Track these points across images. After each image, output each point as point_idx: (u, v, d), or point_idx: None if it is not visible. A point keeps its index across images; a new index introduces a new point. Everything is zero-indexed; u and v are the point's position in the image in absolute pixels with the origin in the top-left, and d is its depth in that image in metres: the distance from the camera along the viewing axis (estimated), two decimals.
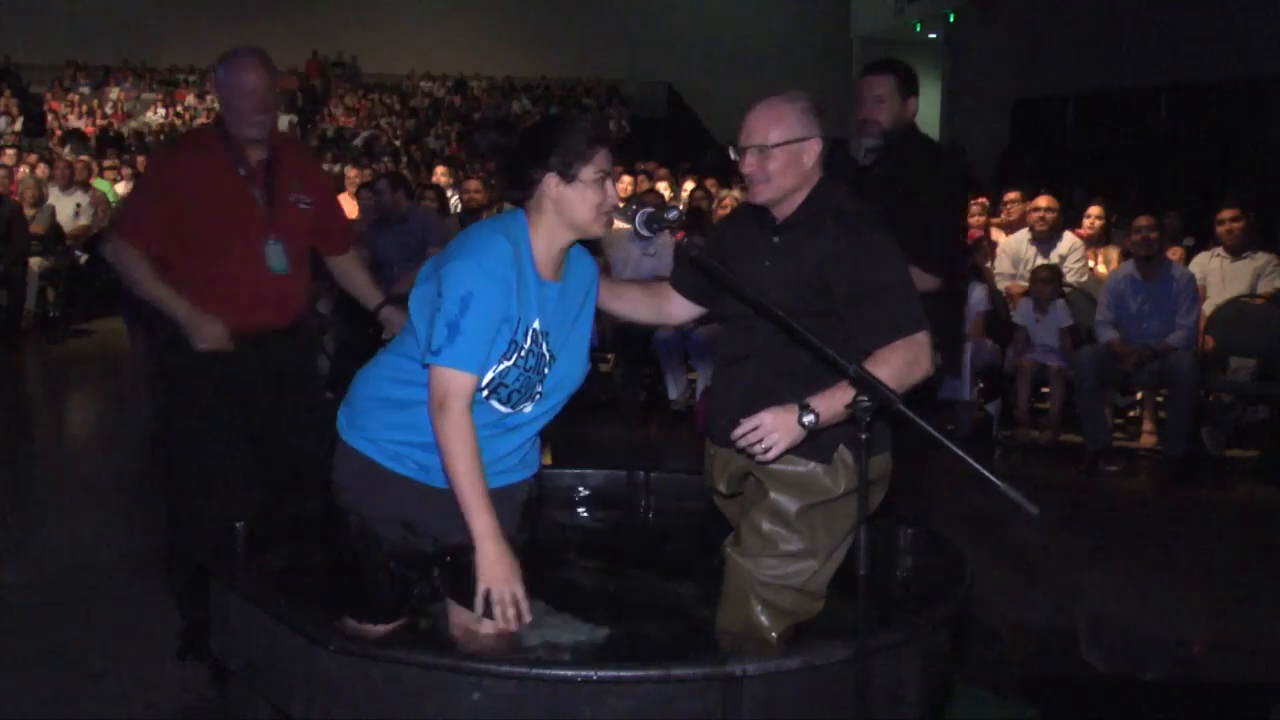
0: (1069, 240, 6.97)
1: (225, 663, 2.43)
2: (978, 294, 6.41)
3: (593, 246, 2.61)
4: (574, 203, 2.30)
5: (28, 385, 8.71)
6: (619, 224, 7.04)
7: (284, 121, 20.52)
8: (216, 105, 3.51)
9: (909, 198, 3.40)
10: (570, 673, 1.98)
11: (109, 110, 21.08)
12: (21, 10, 22.94)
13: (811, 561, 2.45)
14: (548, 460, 2.71)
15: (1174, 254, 6.95)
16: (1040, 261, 6.74)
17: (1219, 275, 6.57)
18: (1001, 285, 6.93)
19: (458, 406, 2.22)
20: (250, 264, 3.32)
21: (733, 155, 2.55)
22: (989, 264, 7.11)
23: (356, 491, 2.40)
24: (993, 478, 1.92)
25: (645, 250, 7.01)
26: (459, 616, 2.37)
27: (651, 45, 25.08)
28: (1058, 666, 3.71)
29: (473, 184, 7.94)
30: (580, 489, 3.21)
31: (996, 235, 7.71)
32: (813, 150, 2.49)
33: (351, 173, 10.94)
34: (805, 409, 2.28)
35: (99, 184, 11.70)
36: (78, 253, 10.13)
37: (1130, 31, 15.02)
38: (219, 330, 3.27)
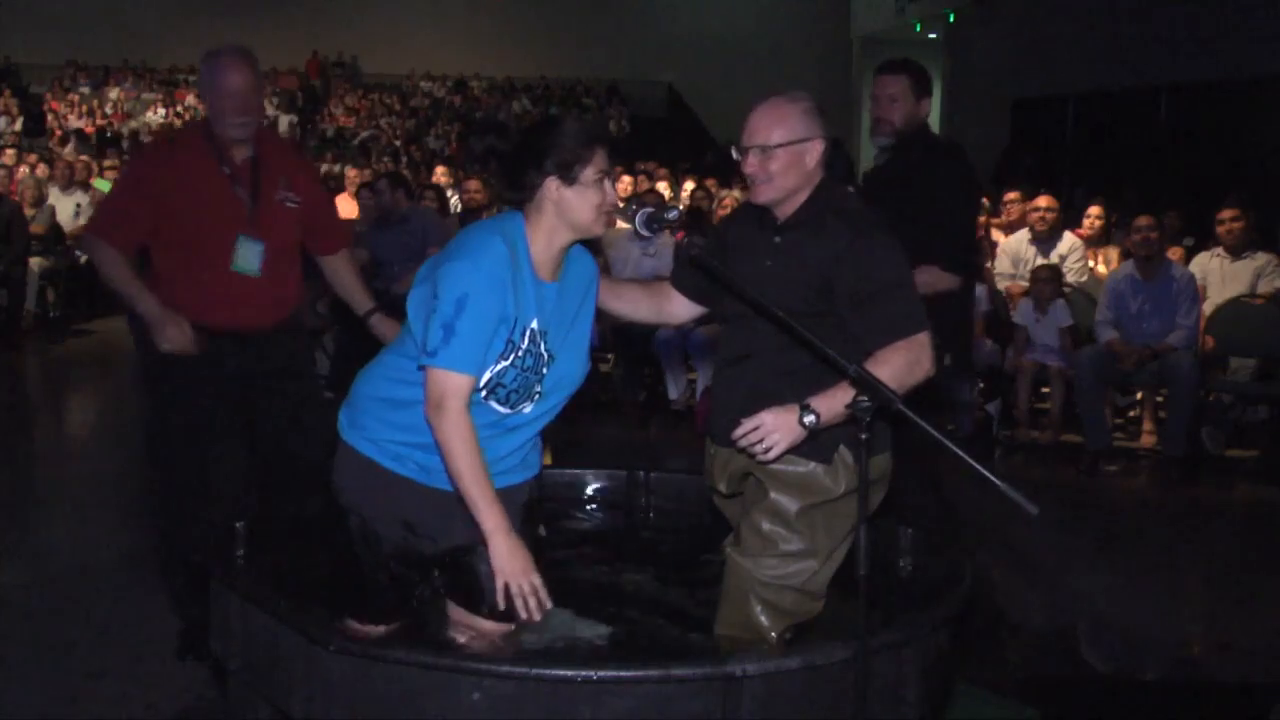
0: (1069, 240, 6.97)
1: (225, 663, 2.43)
2: (978, 294, 6.40)
3: (593, 246, 2.61)
4: (575, 204, 2.30)
5: (28, 385, 8.71)
6: (620, 224, 7.06)
7: (284, 122, 20.55)
8: None
9: (923, 198, 3.41)
10: (570, 673, 1.98)
11: (109, 110, 21.08)
12: (21, 10, 22.93)
13: (811, 561, 2.45)
14: (548, 460, 2.71)
15: (1174, 254, 6.95)
16: (1040, 261, 6.74)
17: (1219, 275, 6.57)
18: (1001, 285, 6.93)
19: (455, 406, 2.22)
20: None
21: (735, 155, 2.55)
22: (989, 264, 7.11)
23: (357, 492, 2.40)
24: (993, 478, 1.92)
25: (645, 250, 7.01)
26: (459, 616, 2.37)
27: (651, 45, 25.07)
28: (1058, 666, 3.71)
29: (473, 184, 7.94)
30: (580, 489, 3.21)
31: (996, 235, 7.71)
32: (815, 151, 2.50)
33: (351, 173, 10.95)
34: (806, 409, 2.28)
35: (99, 184, 11.69)
36: (78, 253, 10.13)
37: (1130, 31, 15.01)
38: (181, 332, 3.25)
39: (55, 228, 10.06)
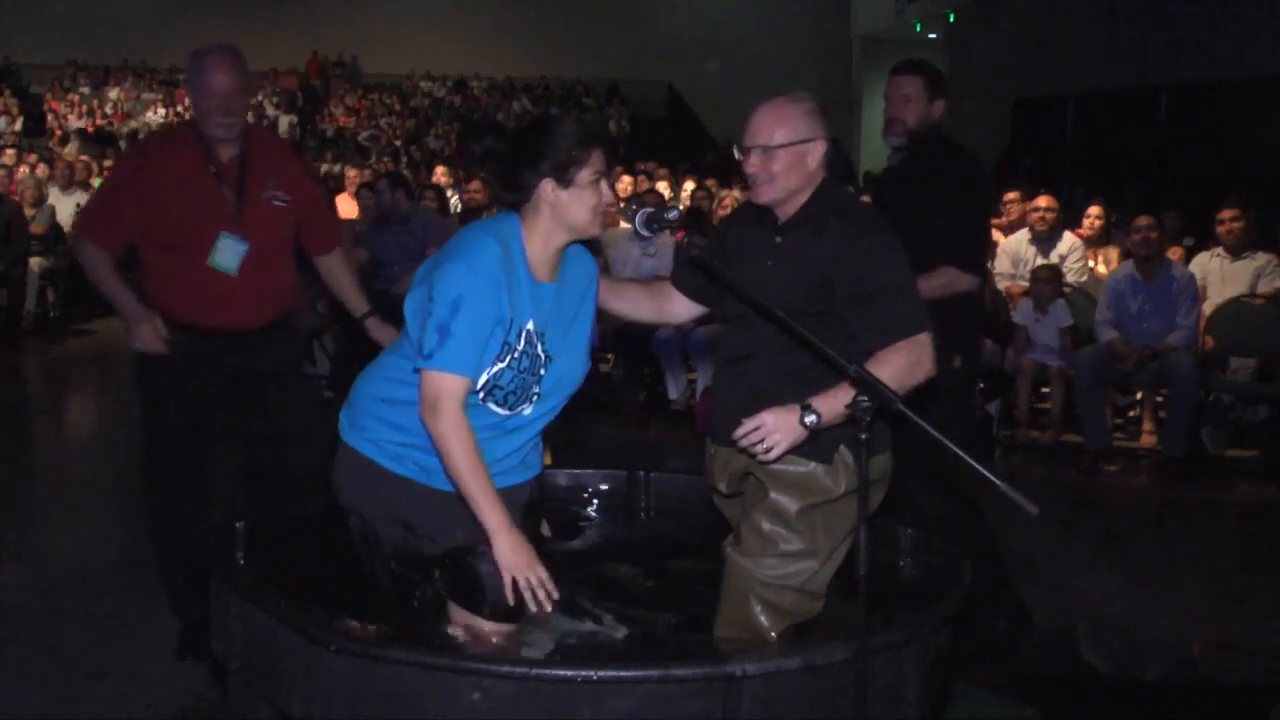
0: (1069, 240, 6.97)
1: (225, 663, 2.43)
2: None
3: (592, 246, 2.61)
4: (571, 206, 2.30)
5: (28, 385, 8.71)
6: (622, 224, 7.06)
7: (284, 122, 20.56)
8: None
9: (937, 199, 3.42)
10: (570, 673, 1.98)
11: (109, 110, 21.09)
12: (21, 10, 22.95)
13: (811, 561, 2.45)
14: (548, 460, 2.71)
15: (1174, 254, 6.95)
16: (1040, 261, 6.74)
17: (1219, 275, 6.57)
18: (1001, 285, 6.93)
19: (451, 408, 2.22)
20: None
21: (736, 155, 2.55)
22: (989, 264, 7.11)
23: (357, 492, 2.40)
24: (993, 478, 1.92)
25: (645, 250, 7.01)
26: (459, 616, 2.37)
27: (651, 45, 25.07)
28: (1058, 666, 3.71)
29: (473, 184, 7.95)
30: (580, 489, 3.21)
31: (996, 235, 7.71)
32: (817, 152, 2.50)
33: (351, 173, 10.96)
34: (807, 409, 2.28)
35: (99, 184, 11.70)
36: None
37: (1130, 31, 15.01)
38: (152, 330, 3.25)
39: (55, 228, 10.06)
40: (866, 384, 2.04)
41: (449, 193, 9.65)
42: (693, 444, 5.01)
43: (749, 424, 2.33)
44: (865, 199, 4.83)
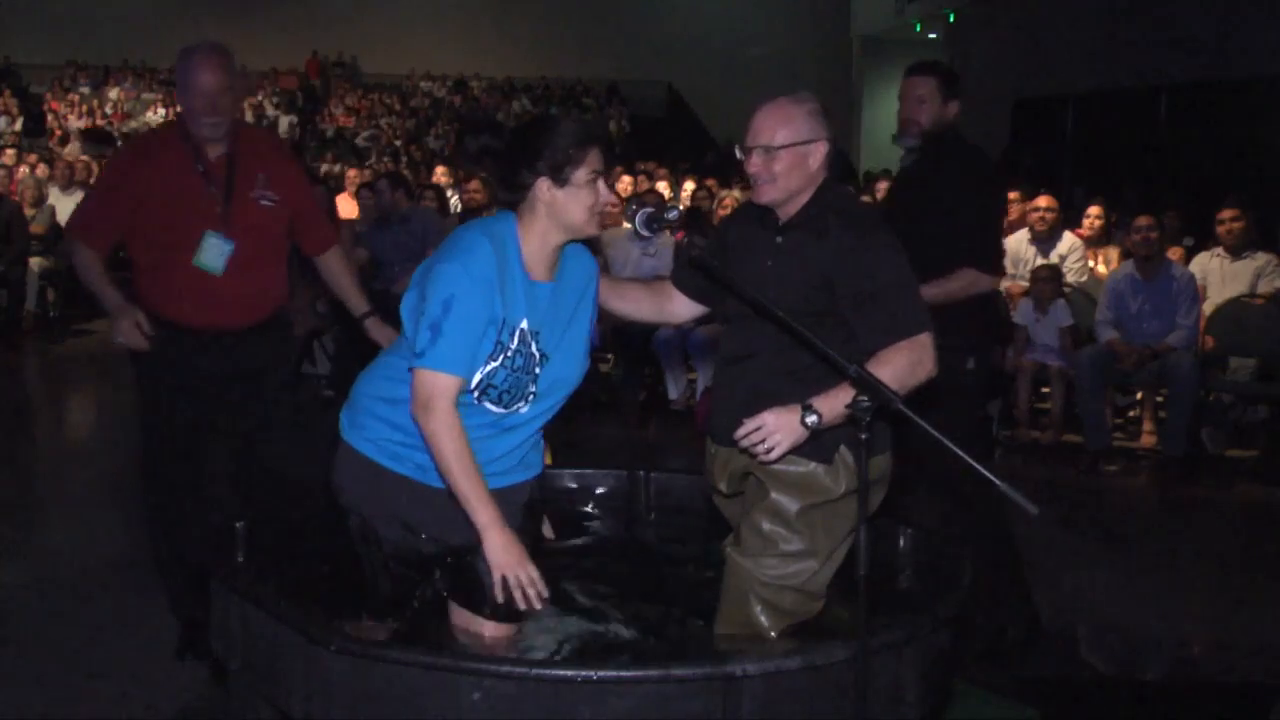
0: (1069, 240, 6.97)
1: (225, 663, 2.43)
2: None
3: (592, 246, 2.61)
4: (567, 206, 2.30)
5: (28, 385, 8.71)
6: (624, 224, 7.05)
7: (284, 122, 20.55)
8: None
9: (954, 200, 3.42)
10: (570, 673, 1.98)
11: (109, 110, 21.09)
12: (21, 10, 22.95)
13: (811, 562, 2.45)
14: (548, 460, 2.71)
15: (1174, 254, 6.95)
16: (1040, 261, 6.74)
17: (1219, 275, 6.57)
18: (1001, 285, 6.93)
19: (442, 406, 2.22)
20: None
21: (738, 154, 2.55)
22: None
23: (357, 491, 2.40)
24: (993, 478, 1.92)
25: (645, 250, 7.01)
26: (459, 616, 2.37)
27: (651, 45, 25.07)
28: (1058, 666, 3.71)
29: (473, 184, 7.95)
30: (580, 489, 3.21)
31: None
32: (819, 153, 2.50)
33: (351, 173, 10.96)
34: (808, 409, 2.28)
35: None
36: None
37: (1130, 31, 15.00)
38: (132, 325, 3.23)
39: (55, 228, 10.04)
40: (866, 384, 2.04)
41: (449, 193, 9.65)
42: (693, 444, 5.00)
43: (750, 424, 2.33)
44: (865, 199, 4.83)
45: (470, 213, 7.69)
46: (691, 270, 2.66)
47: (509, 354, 2.29)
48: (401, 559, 2.38)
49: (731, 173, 11.14)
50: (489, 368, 2.27)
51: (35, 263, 9.54)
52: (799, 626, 2.46)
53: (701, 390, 6.66)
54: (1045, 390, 6.57)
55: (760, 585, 2.43)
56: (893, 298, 2.40)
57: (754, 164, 2.49)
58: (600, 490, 3.20)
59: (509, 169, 2.33)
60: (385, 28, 24.87)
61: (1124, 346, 6.06)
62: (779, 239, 2.52)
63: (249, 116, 20.64)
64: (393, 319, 3.25)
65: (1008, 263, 7.01)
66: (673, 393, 6.97)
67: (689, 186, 10.87)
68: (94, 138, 17.94)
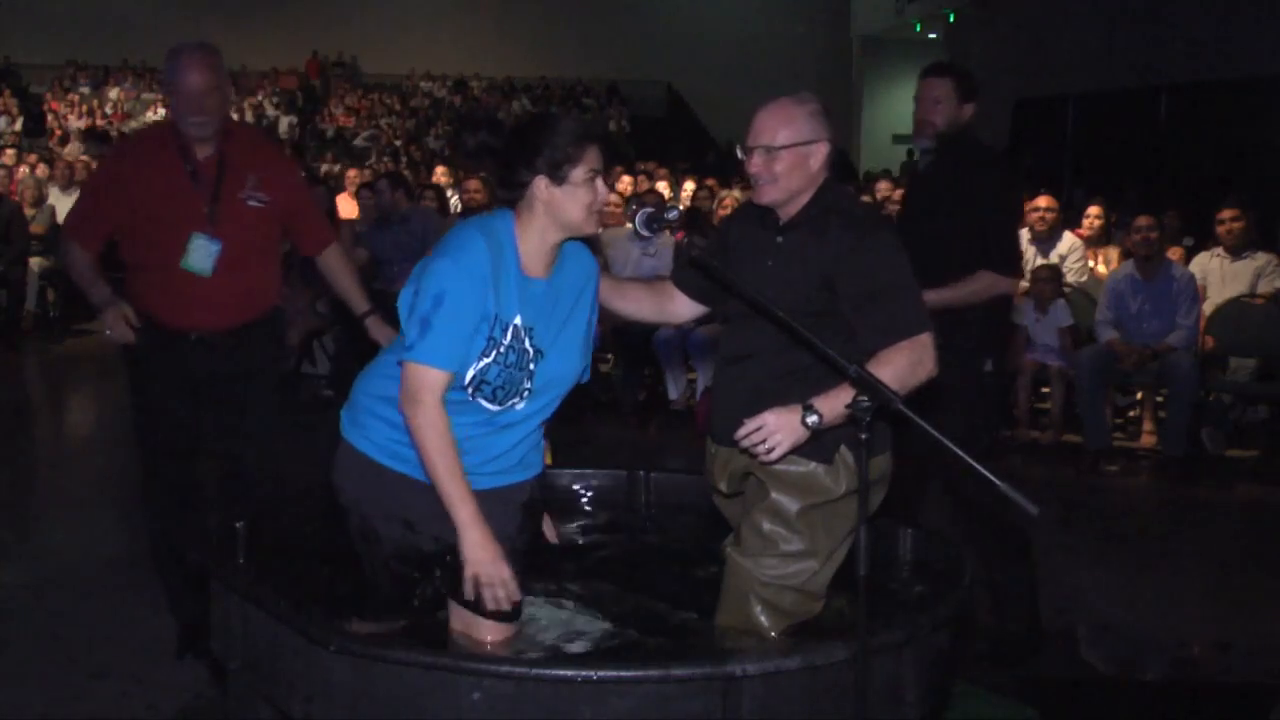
0: (1069, 240, 6.97)
1: (225, 663, 2.43)
2: None
3: (592, 246, 2.61)
4: (565, 204, 2.30)
5: (28, 385, 8.71)
6: (626, 224, 7.04)
7: (284, 122, 20.55)
8: None
9: (971, 202, 3.41)
10: (570, 673, 1.98)
11: (109, 110, 21.09)
12: (21, 10, 22.95)
13: (812, 562, 2.45)
14: (548, 460, 2.70)
15: (1174, 254, 6.95)
16: (1040, 261, 6.74)
17: (1219, 275, 6.57)
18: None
19: (430, 400, 2.23)
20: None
21: (739, 154, 2.55)
22: None
23: (357, 490, 2.40)
24: (993, 478, 1.92)
25: (645, 250, 7.00)
26: (459, 616, 2.37)
27: (651, 45, 25.09)
28: (1058, 666, 3.71)
29: (473, 184, 7.94)
30: (580, 489, 3.21)
31: None
32: (820, 153, 2.50)
33: (351, 173, 10.96)
34: (809, 409, 2.28)
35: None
36: None
37: (1130, 31, 15.01)
38: (118, 318, 3.22)
39: (55, 228, 10.03)
40: (867, 384, 2.04)
41: (449, 193, 9.64)
42: (693, 444, 5.01)
43: (751, 424, 2.32)
44: (865, 199, 4.83)
45: (470, 212, 7.68)
46: (692, 270, 2.66)
47: (502, 350, 2.29)
48: (402, 558, 2.38)
49: (732, 173, 11.15)
50: (482, 363, 2.27)
51: (35, 263, 9.55)
52: (799, 626, 2.46)
53: (701, 390, 6.66)
54: (1045, 390, 6.57)
55: (760, 585, 2.43)
56: (893, 298, 2.40)
57: (755, 164, 2.49)
58: (600, 490, 3.20)
59: (507, 167, 2.33)
60: (385, 28, 24.89)
61: (1124, 346, 6.06)
62: (779, 239, 2.52)
63: (249, 116, 20.66)
64: (393, 319, 3.25)
65: None
66: (673, 393, 6.97)
67: (689, 186, 10.87)
68: (94, 138, 17.94)
